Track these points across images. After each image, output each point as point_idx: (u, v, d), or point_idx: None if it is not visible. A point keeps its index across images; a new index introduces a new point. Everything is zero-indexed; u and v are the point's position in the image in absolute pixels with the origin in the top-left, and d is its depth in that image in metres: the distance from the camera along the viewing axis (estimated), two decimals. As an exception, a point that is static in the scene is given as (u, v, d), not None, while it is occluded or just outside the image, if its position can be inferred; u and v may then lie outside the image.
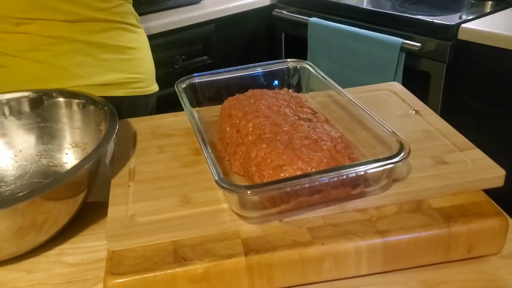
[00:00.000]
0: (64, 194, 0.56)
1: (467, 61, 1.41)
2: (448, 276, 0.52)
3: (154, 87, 1.08)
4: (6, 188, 0.69)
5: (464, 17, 1.48)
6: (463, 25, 1.39)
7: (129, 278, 0.48)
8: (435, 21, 1.45)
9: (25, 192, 0.52)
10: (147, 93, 1.05)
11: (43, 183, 0.54)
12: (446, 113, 1.48)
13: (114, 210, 0.54)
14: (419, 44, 1.42)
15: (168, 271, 0.48)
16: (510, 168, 1.43)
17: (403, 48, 1.46)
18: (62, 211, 0.58)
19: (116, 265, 0.49)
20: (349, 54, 1.63)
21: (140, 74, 1.02)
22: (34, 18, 0.88)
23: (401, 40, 1.46)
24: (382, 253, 0.50)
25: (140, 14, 1.68)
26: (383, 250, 0.50)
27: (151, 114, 1.10)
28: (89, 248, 0.60)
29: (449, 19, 1.45)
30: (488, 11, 1.53)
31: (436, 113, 1.60)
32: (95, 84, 0.94)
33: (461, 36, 1.39)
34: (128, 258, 0.49)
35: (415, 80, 1.51)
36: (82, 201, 0.60)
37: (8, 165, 0.72)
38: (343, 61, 1.66)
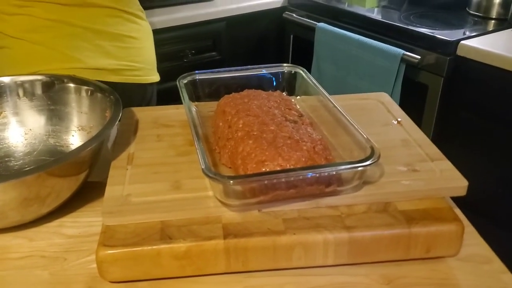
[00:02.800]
0: (68, 172, 0.62)
1: (464, 77, 1.46)
2: (407, 272, 0.57)
3: (152, 78, 1.10)
4: (15, 163, 0.75)
5: (465, 33, 1.52)
6: (462, 41, 1.44)
7: (119, 250, 0.53)
8: (436, 35, 1.49)
9: (32, 167, 0.58)
10: (142, 82, 1.06)
11: (49, 161, 0.60)
12: (440, 124, 1.54)
13: (111, 190, 0.60)
14: (419, 57, 1.47)
15: (154, 247, 0.53)
16: (495, 179, 1.48)
17: (403, 59, 1.51)
18: (65, 187, 0.63)
19: (108, 238, 0.55)
20: (353, 61, 1.68)
21: (136, 62, 1.03)
22: (35, 0, 0.92)
23: (402, 51, 1.51)
24: (348, 247, 0.55)
25: (155, 7, 1.75)
26: (349, 244, 0.55)
27: (148, 103, 1.12)
28: (86, 222, 0.65)
29: (450, 35, 1.50)
30: (490, 29, 1.58)
31: (431, 123, 1.65)
32: (89, 68, 0.96)
33: (460, 52, 1.44)
34: (120, 233, 0.55)
35: (413, 91, 1.56)
36: (83, 179, 0.66)
37: (19, 142, 0.78)
38: (346, 67, 1.71)
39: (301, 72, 0.79)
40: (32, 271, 0.58)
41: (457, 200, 0.64)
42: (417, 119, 1.55)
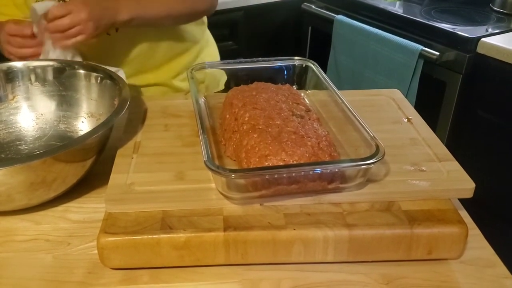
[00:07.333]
0: (74, 158, 0.63)
1: (484, 75, 1.43)
2: (407, 273, 0.56)
3: None
4: (25, 147, 0.76)
5: (487, 31, 1.49)
6: (483, 39, 1.40)
7: (120, 238, 0.54)
8: (456, 32, 1.46)
9: (38, 152, 0.58)
10: None
11: (55, 146, 0.60)
12: (457, 121, 1.51)
13: (115, 177, 0.61)
14: (438, 53, 1.45)
15: (154, 236, 0.54)
16: (511, 180, 1.43)
17: (421, 55, 1.48)
18: (71, 173, 0.64)
19: (110, 225, 0.55)
20: (370, 55, 1.65)
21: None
22: None
23: (421, 47, 1.48)
24: (348, 245, 0.55)
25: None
26: (349, 242, 0.55)
27: None
28: (91, 208, 0.66)
29: (471, 32, 1.46)
30: (513, 27, 1.54)
31: (448, 120, 1.62)
32: None
33: (479, 49, 1.41)
34: (121, 221, 0.56)
35: (431, 87, 1.53)
36: (90, 166, 0.67)
37: (30, 126, 0.79)
38: (364, 61, 1.69)
39: (312, 66, 0.78)
40: (36, 254, 0.59)
41: (469, 198, 0.62)
42: (434, 115, 1.53)
